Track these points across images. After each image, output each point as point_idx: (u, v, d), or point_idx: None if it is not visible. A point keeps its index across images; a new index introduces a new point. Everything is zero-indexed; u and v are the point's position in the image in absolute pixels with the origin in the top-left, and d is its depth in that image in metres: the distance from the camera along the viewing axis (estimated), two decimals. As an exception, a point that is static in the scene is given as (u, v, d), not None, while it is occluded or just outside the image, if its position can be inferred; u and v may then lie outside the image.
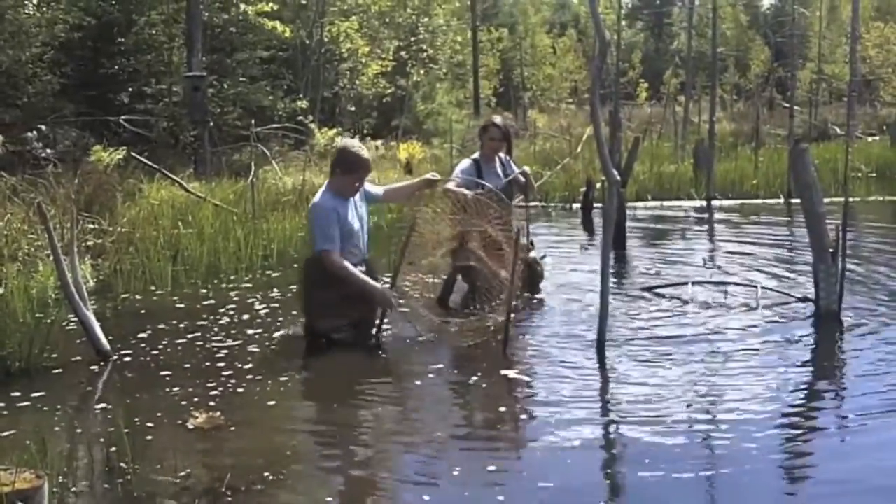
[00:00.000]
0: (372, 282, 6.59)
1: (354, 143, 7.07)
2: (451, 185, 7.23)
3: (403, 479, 4.39)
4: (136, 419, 4.98)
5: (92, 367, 6.13)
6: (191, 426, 4.89)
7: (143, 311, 7.81)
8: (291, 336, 6.78)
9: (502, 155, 7.96)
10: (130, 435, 4.53)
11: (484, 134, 7.94)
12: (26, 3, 18.72)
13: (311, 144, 20.57)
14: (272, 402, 5.42)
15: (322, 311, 6.46)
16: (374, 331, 6.67)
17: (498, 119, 8.17)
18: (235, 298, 8.27)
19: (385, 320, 6.75)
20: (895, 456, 4.52)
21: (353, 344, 6.46)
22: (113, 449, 4.43)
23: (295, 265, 9.62)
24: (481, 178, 7.45)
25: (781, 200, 16.42)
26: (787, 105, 25.60)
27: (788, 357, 6.24)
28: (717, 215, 15.10)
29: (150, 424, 4.94)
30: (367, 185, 6.94)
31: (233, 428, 4.93)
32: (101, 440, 4.70)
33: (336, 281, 6.41)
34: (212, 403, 5.30)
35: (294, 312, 7.39)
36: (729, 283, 8.44)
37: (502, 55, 54.42)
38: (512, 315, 6.43)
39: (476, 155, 7.95)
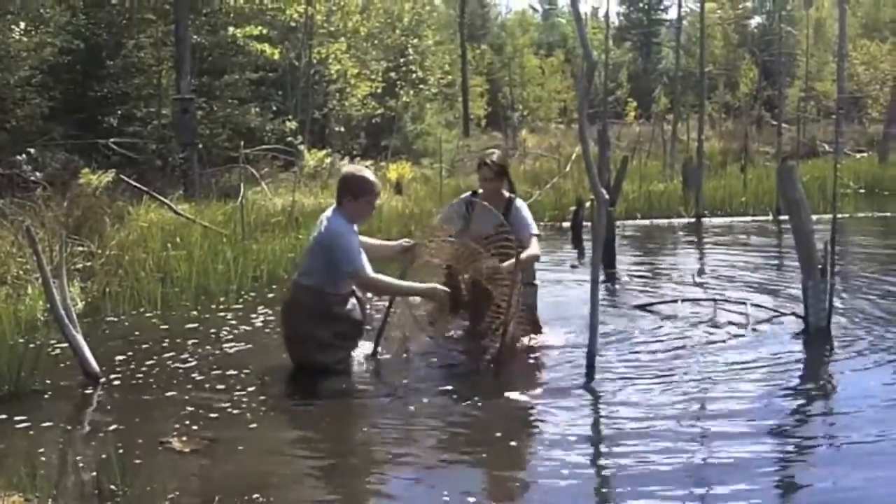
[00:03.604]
0: (415, 284, 6.61)
1: (358, 168, 6.99)
2: (436, 221, 7.09)
3: (393, 501, 4.38)
4: (126, 441, 4.96)
5: (81, 390, 6.10)
6: (181, 449, 4.88)
7: (132, 334, 7.77)
8: (282, 358, 6.76)
9: (521, 208, 7.01)
10: (119, 457, 4.51)
11: (478, 173, 7.24)
12: (13, 27, 18.70)
13: (301, 166, 20.57)
14: (262, 425, 5.39)
15: (322, 347, 6.34)
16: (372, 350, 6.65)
17: (494, 156, 7.20)
18: (225, 320, 8.25)
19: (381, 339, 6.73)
20: (886, 471, 4.51)
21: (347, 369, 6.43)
22: (102, 471, 4.41)
23: (275, 287, 9.63)
24: (470, 220, 7.01)
25: (770, 218, 16.46)
26: (776, 123, 25.70)
27: (778, 373, 6.24)
28: (707, 233, 15.13)
29: (139, 447, 4.92)
30: None
31: (223, 450, 4.92)
32: (90, 463, 4.67)
33: (333, 317, 6.35)
34: (195, 427, 5.28)
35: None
36: (718, 300, 8.45)
37: (490, 76, 54.64)
38: (507, 337, 6.42)
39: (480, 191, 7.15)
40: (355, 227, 6.49)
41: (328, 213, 6.54)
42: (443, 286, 6.53)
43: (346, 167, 7.09)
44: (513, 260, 6.37)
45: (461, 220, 7.08)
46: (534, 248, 6.80)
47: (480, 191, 7.16)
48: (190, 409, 5.63)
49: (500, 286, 6.47)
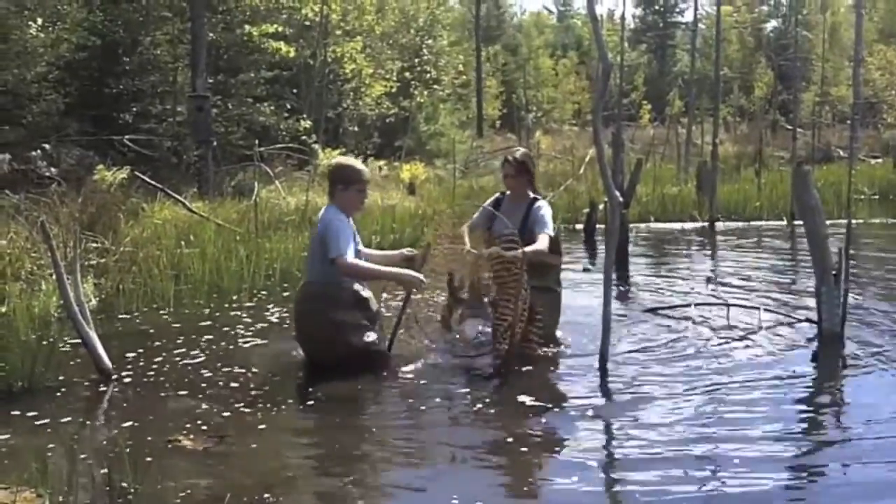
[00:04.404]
0: (395, 269, 6.58)
1: (346, 158, 7.07)
2: (465, 227, 7.13)
3: (402, 500, 4.38)
4: (137, 438, 4.97)
5: (94, 387, 6.12)
6: (194, 447, 4.89)
7: (145, 331, 7.80)
8: (294, 356, 6.77)
9: (541, 207, 6.98)
10: (131, 454, 4.51)
11: (501, 170, 7.38)
12: (31, 23, 18.79)
13: (315, 165, 20.61)
14: (274, 423, 5.39)
15: (357, 330, 6.31)
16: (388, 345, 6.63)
17: (518, 153, 7.29)
18: (238, 318, 8.27)
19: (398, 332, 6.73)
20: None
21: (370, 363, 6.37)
22: (113, 468, 4.41)
23: (287, 285, 9.64)
24: (495, 217, 7.06)
25: (784, 222, 16.43)
26: (791, 127, 25.65)
27: (790, 379, 6.21)
28: (720, 237, 15.10)
29: (151, 444, 4.93)
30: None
31: (234, 448, 4.93)
32: (102, 459, 4.68)
33: (358, 301, 6.35)
34: (204, 427, 5.29)
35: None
36: (731, 305, 8.43)
37: (505, 77, 54.64)
38: (514, 339, 6.40)
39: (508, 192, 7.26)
40: (351, 220, 6.55)
41: (323, 208, 6.59)
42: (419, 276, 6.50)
43: (335, 158, 7.13)
44: (517, 251, 6.40)
45: (485, 227, 7.15)
46: (540, 243, 6.73)
47: (508, 192, 7.20)
48: (202, 406, 5.64)
49: (506, 289, 6.49)
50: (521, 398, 5.79)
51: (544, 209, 6.99)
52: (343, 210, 6.47)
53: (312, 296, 6.42)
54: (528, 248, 6.50)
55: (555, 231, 7.04)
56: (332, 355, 6.31)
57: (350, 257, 6.25)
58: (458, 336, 7.11)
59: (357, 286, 6.42)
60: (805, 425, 5.44)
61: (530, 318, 6.53)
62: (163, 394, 5.96)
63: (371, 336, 6.38)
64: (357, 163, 6.71)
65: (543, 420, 5.50)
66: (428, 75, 33.70)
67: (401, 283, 6.68)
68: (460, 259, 6.85)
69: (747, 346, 7.08)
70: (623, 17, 29.83)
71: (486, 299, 6.85)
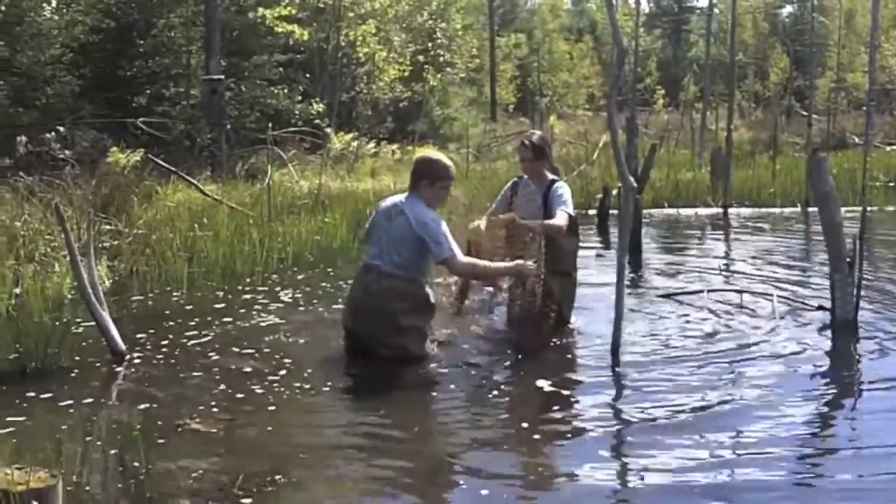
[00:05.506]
0: (502, 264, 6.46)
1: (433, 153, 6.93)
2: (483, 218, 7.11)
3: (415, 483, 4.38)
4: (150, 420, 4.99)
5: (107, 368, 6.15)
6: (207, 429, 4.90)
7: (158, 313, 7.82)
8: (306, 340, 6.78)
9: (560, 187, 6.97)
10: (143, 435, 4.53)
11: (518, 154, 7.45)
12: (45, 4, 18.80)
13: (328, 148, 20.58)
14: (286, 405, 5.41)
15: (423, 337, 6.26)
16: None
17: (534, 136, 7.31)
18: (250, 301, 8.28)
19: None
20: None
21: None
22: (126, 449, 4.43)
23: (296, 269, 9.64)
24: (515, 198, 7.12)
25: (799, 209, 16.33)
26: (806, 113, 25.52)
27: (804, 366, 6.20)
28: (734, 223, 15.04)
29: (163, 426, 4.95)
30: None
31: (246, 430, 4.95)
32: (115, 440, 4.70)
33: (430, 307, 6.32)
34: (216, 410, 5.31)
35: (312, 303, 7.42)
36: (745, 291, 8.41)
37: (520, 61, 54.48)
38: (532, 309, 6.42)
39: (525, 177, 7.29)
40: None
41: (402, 200, 6.39)
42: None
43: (421, 152, 6.99)
44: (535, 221, 6.48)
45: (504, 203, 7.18)
46: (559, 218, 6.72)
47: (525, 177, 7.19)
48: (214, 388, 5.67)
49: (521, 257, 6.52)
50: (535, 383, 5.79)
51: (563, 189, 6.96)
52: (428, 205, 6.29)
53: (396, 292, 6.18)
54: (546, 221, 6.52)
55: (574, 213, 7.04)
56: (386, 353, 6.17)
57: (462, 257, 6.20)
58: (472, 315, 7.14)
59: (429, 289, 6.37)
60: (815, 413, 5.42)
61: (546, 297, 6.54)
62: (175, 375, 5.98)
63: (428, 346, 6.32)
64: (444, 159, 6.54)
65: (556, 406, 5.49)
66: (441, 59, 33.56)
67: (518, 276, 6.56)
68: (475, 245, 6.83)
69: (760, 333, 7.05)
70: (638, 2, 29.76)
71: (503, 285, 6.86)
